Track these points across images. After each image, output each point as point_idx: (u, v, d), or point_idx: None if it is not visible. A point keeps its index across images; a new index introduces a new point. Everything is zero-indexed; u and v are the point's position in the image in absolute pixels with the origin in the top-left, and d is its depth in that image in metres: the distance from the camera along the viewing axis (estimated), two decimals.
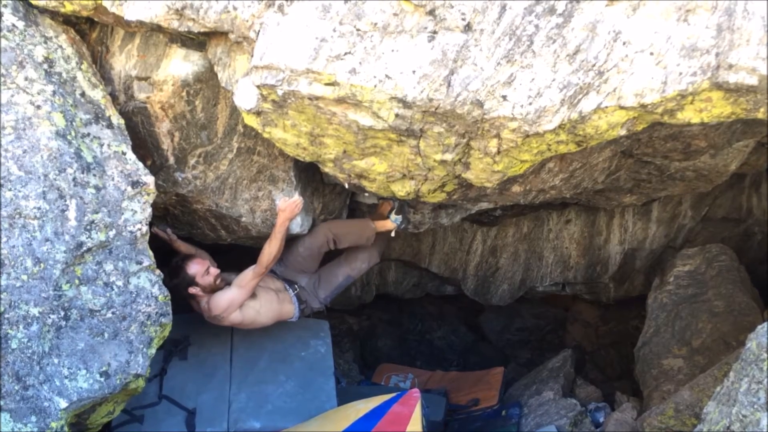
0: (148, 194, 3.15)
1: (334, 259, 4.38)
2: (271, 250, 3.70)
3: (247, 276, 3.79)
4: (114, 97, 3.31)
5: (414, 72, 2.61)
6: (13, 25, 2.96)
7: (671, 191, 4.30)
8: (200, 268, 3.74)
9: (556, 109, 2.58)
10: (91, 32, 3.30)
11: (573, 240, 5.61)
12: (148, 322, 3.07)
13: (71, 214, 2.89)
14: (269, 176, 3.69)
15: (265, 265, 3.74)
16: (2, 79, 2.85)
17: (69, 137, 2.94)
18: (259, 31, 2.79)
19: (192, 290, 3.72)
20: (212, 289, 3.78)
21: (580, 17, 2.50)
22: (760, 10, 2.32)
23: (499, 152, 2.84)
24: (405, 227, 4.27)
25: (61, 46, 3.11)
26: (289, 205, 3.63)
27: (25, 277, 2.73)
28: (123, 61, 3.28)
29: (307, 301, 4.21)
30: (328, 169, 3.31)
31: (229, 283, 3.83)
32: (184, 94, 3.33)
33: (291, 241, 4.03)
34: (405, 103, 2.67)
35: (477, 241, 5.68)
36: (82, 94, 3.11)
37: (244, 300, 3.82)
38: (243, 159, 3.60)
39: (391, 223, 4.22)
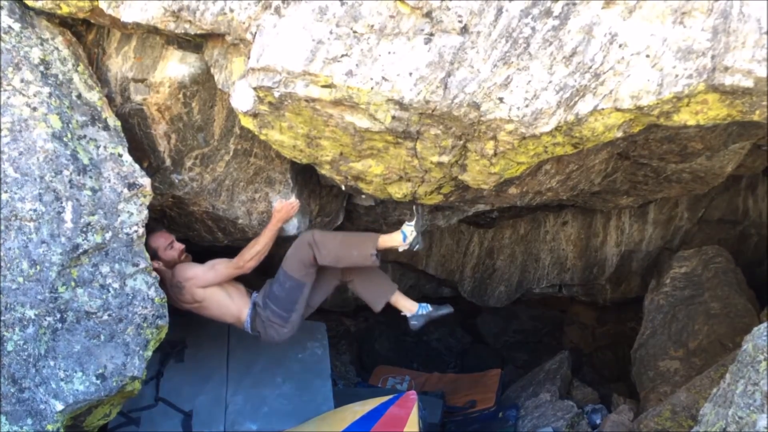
0: (145, 196, 3.15)
1: None
2: (257, 247, 3.61)
3: (222, 264, 3.67)
4: (110, 99, 3.31)
5: (411, 74, 2.61)
6: (10, 27, 2.95)
7: (668, 193, 4.31)
8: (163, 242, 3.63)
9: (553, 111, 2.59)
10: (87, 34, 3.29)
11: (570, 242, 5.61)
12: (145, 325, 3.06)
13: (67, 216, 2.88)
14: (266, 178, 3.68)
15: (246, 259, 3.62)
16: None
17: (65, 139, 2.94)
18: (255, 33, 2.79)
19: (154, 264, 3.49)
20: (175, 265, 3.67)
21: (577, 20, 2.50)
22: (755, 12, 2.33)
23: (495, 154, 2.84)
24: (417, 245, 3.60)
25: (57, 48, 3.10)
26: (285, 207, 3.62)
27: (21, 279, 2.73)
28: (119, 63, 3.28)
29: (261, 332, 3.78)
30: (324, 171, 3.30)
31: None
32: (180, 96, 3.32)
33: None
34: (402, 105, 2.67)
35: (474, 243, 5.68)
36: (79, 96, 3.11)
37: (208, 284, 3.66)
38: (240, 161, 3.60)
39: (398, 236, 3.58)
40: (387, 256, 5.57)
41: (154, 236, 3.60)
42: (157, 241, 3.61)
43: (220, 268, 3.68)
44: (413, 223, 3.58)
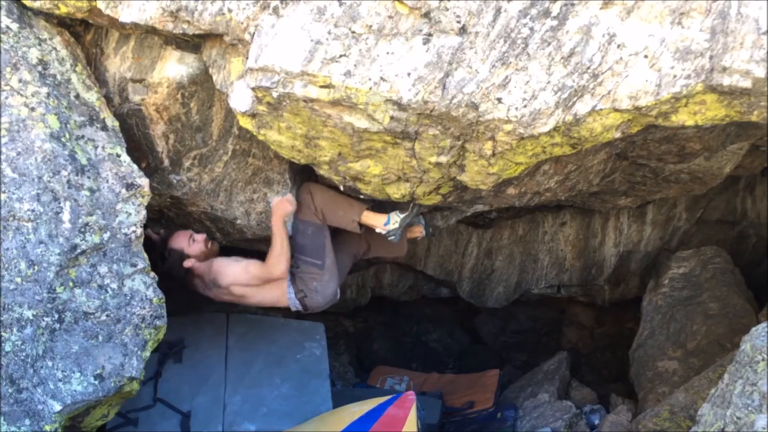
0: (143, 196, 3.15)
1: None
2: (275, 249, 3.61)
3: (255, 268, 3.68)
4: (109, 99, 3.30)
5: (409, 74, 2.61)
6: (8, 27, 2.95)
7: (666, 193, 4.31)
8: (184, 238, 3.67)
9: (551, 112, 2.59)
10: (85, 34, 3.29)
11: (568, 242, 5.61)
12: (143, 325, 3.05)
13: (65, 216, 2.88)
14: (264, 178, 3.68)
15: (272, 266, 3.62)
16: None
17: (63, 139, 2.94)
18: (254, 33, 2.79)
19: (187, 263, 3.62)
20: (206, 256, 3.71)
21: (575, 20, 2.50)
22: (753, 12, 2.33)
23: (494, 155, 2.85)
24: (393, 236, 3.75)
25: (55, 48, 3.10)
26: (280, 202, 3.60)
27: (19, 280, 2.72)
28: (118, 63, 3.28)
29: (305, 290, 3.79)
30: (323, 171, 3.30)
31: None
32: (179, 96, 3.32)
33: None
34: (400, 106, 2.67)
35: (472, 244, 5.68)
36: (77, 96, 3.11)
37: (243, 284, 3.71)
38: (238, 161, 3.60)
39: (382, 219, 3.73)
40: (386, 257, 5.56)
41: (173, 238, 3.65)
42: (178, 241, 3.65)
43: (253, 271, 3.70)
44: (402, 215, 3.68)
